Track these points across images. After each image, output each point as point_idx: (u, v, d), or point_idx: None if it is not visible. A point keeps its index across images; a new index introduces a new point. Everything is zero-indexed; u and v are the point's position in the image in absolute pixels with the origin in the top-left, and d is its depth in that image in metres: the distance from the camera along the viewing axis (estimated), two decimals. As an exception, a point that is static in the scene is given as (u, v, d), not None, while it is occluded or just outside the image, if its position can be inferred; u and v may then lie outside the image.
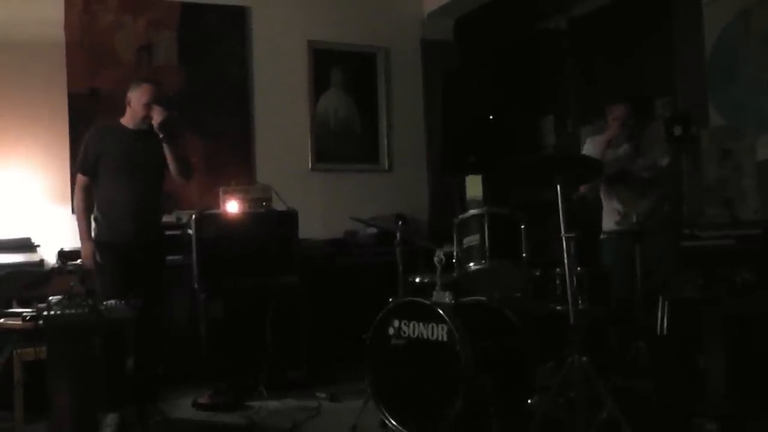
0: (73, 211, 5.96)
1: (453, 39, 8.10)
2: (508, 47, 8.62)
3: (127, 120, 5.26)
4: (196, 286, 5.85)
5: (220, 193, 6.11)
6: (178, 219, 6.29)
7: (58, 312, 3.87)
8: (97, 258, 5.14)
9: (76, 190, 5.29)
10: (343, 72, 7.62)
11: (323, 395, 5.58)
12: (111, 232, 5.15)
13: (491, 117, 7.43)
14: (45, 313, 3.87)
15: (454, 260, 4.86)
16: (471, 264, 4.77)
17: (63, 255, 5.91)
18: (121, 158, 5.17)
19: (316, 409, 5.32)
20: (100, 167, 5.17)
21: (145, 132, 5.21)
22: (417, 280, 5.14)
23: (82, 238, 5.22)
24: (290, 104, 7.33)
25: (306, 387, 5.79)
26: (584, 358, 4.11)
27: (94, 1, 6.67)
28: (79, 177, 5.26)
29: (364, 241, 7.01)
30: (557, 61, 8.42)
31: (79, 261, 5.51)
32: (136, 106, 5.18)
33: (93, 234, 5.22)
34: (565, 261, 4.30)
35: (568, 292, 4.28)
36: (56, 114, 6.44)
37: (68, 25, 6.58)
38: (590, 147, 5.71)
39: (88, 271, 5.28)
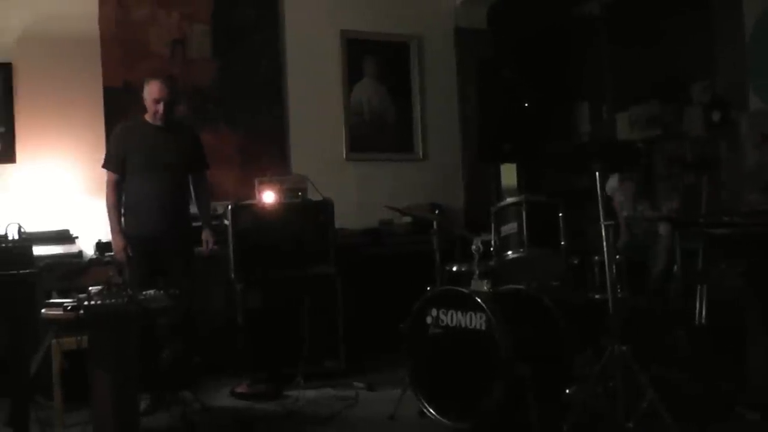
0: None
1: (486, 26, 8.05)
2: (542, 33, 8.55)
3: (150, 116, 5.37)
4: (232, 276, 5.88)
5: (256, 184, 6.12)
6: (214, 210, 6.30)
7: (99, 302, 3.90)
8: (130, 251, 5.25)
9: (106, 186, 5.40)
10: (377, 61, 7.60)
11: (361, 385, 5.59)
12: (139, 226, 5.32)
13: (526, 104, 7.37)
14: (86, 303, 3.90)
15: (491, 249, 4.84)
16: (509, 252, 4.76)
17: (100, 246, 5.98)
18: (145, 155, 5.32)
19: (354, 398, 5.33)
20: (127, 164, 5.33)
21: (167, 127, 5.35)
22: (454, 268, 5.12)
23: (112, 233, 5.35)
24: (324, 94, 7.33)
25: (343, 376, 5.80)
26: (623, 347, 4.08)
27: (128, -5, 6.71)
28: (108, 174, 5.39)
29: (399, 230, 7.00)
30: (591, 46, 8.35)
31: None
32: (149, 102, 5.32)
33: (125, 228, 5.36)
34: (604, 249, 4.25)
35: (607, 280, 4.24)
36: (92, 108, 6.49)
37: (102, 20, 6.61)
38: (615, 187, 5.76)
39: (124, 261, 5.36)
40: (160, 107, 5.30)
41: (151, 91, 5.31)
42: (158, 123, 5.34)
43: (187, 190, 5.56)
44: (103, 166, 5.45)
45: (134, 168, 5.33)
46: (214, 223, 5.87)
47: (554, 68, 8.38)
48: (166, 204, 5.33)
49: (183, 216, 5.48)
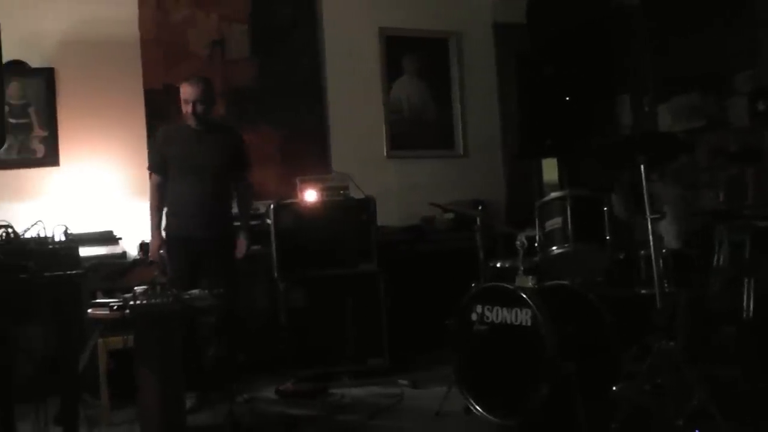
0: None
1: (525, 21, 7.98)
2: (582, 26, 8.45)
3: (185, 117, 5.44)
4: (275, 275, 5.89)
5: (298, 183, 6.13)
6: (256, 209, 6.32)
7: (144, 301, 3.93)
8: (163, 252, 5.39)
9: (150, 187, 5.54)
10: (416, 58, 7.58)
11: (405, 382, 5.57)
12: (179, 227, 5.40)
13: (567, 98, 7.30)
14: (131, 302, 3.92)
15: (536, 244, 4.80)
16: (554, 248, 4.71)
17: (144, 247, 6.02)
18: (184, 157, 5.39)
19: (399, 396, 5.31)
20: (169, 166, 5.41)
21: (206, 129, 5.40)
22: (498, 265, 5.09)
23: (151, 233, 5.48)
24: (363, 92, 7.32)
25: (388, 374, 5.79)
26: (671, 343, 4.02)
27: (166, -2, 6.76)
28: (152, 176, 5.55)
29: (441, 227, 6.98)
30: (631, 38, 8.24)
31: (160, 252, 5.65)
32: (183, 104, 5.39)
33: (165, 228, 5.47)
34: (651, 243, 4.20)
35: (654, 274, 4.19)
36: (133, 110, 6.54)
37: (142, 23, 6.66)
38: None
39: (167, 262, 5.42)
40: (189, 108, 5.34)
41: (182, 92, 5.38)
42: (192, 124, 5.39)
43: (228, 191, 5.59)
44: (148, 168, 5.59)
45: (174, 170, 5.42)
46: (254, 222, 5.90)
47: (594, 61, 8.27)
48: (205, 206, 5.38)
49: (222, 217, 5.51)
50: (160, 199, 5.49)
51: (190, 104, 5.33)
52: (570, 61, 7.86)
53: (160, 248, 5.41)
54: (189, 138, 5.41)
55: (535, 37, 7.99)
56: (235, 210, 5.69)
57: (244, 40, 6.98)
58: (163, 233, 5.49)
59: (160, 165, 5.47)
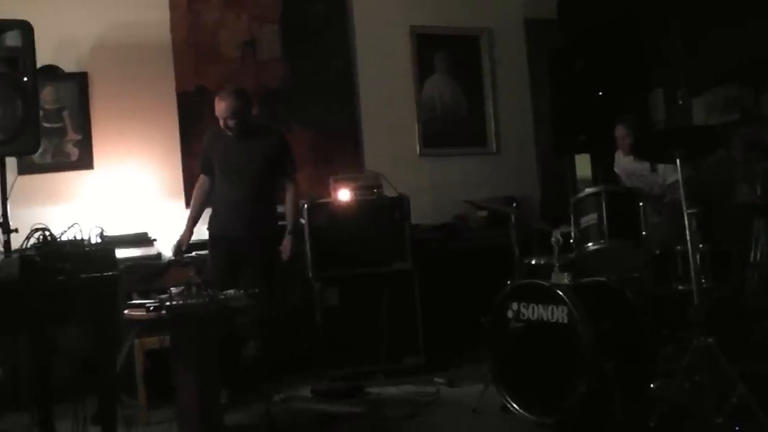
0: (186, 206, 6.27)
1: (556, 16, 7.94)
2: (613, 20, 8.38)
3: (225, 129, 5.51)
4: (310, 274, 5.90)
5: (331, 182, 6.15)
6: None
7: (181, 302, 3.94)
8: (182, 248, 5.57)
9: (196, 184, 5.71)
10: (447, 56, 7.56)
11: (441, 380, 5.55)
12: (219, 227, 5.51)
13: (600, 93, 7.24)
14: (168, 303, 3.94)
15: (571, 241, 4.76)
16: (589, 244, 4.67)
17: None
18: (224, 161, 5.50)
19: (435, 394, 5.30)
20: (214, 168, 5.54)
21: (244, 135, 5.46)
22: (533, 262, 5.05)
23: (186, 228, 5.61)
24: (395, 91, 7.31)
25: (423, 372, 5.77)
26: (710, 340, 3.97)
27: (197, 0, 6.78)
28: (200, 175, 5.70)
29: (475, 224, 6.95)
30: (664, 30, 8.16)
31: (194, 253, 5.73)
32: (219, 119, 5.45)
33: (208, 227, 5.58)
34: (688, 238, 4.15)
35: (692, 270, 4.14)
36: (166, 113, 6.59)
37: (173, 26, 6.71)
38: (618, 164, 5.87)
39: (203, 262, 5.48)
40: (223, 123, 5.43)
41: (216, 108, 5.44)
42: (228, 133, 5.46)
43: (270, 194, 5.61)
44: (199, 169, 5.77)
45: (218, 172, 5.55)
46: (282, 223, 5.92)
47: (626, 55, 8.21)
48: (244, 208, 5.43)
49: (263, 219, 5.53)
50: (199, 197, 5.67)
51: (223, 120, 5.41)
52: (602, 56, 7.80)
53: (183, 245, 5.56)
54: (228, 143, 5.48)
55: (566, 32, 7.95)
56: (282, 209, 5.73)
57: (275, 41, 7.00)
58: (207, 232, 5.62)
59: (207, 166, 5.62)
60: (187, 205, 6.33)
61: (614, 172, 6.06)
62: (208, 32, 6.81)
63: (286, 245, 5.53)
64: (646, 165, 5.66)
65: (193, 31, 6.75)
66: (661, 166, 5.56)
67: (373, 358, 5.79)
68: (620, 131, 5.88)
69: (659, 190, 5.55)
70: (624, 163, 5.89)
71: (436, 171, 7.33)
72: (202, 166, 5.67)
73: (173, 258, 5.81)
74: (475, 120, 7.64)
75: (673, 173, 5.39)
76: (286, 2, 7.03)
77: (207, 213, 5.70)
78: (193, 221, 5.63)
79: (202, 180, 5.67)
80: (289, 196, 5.67)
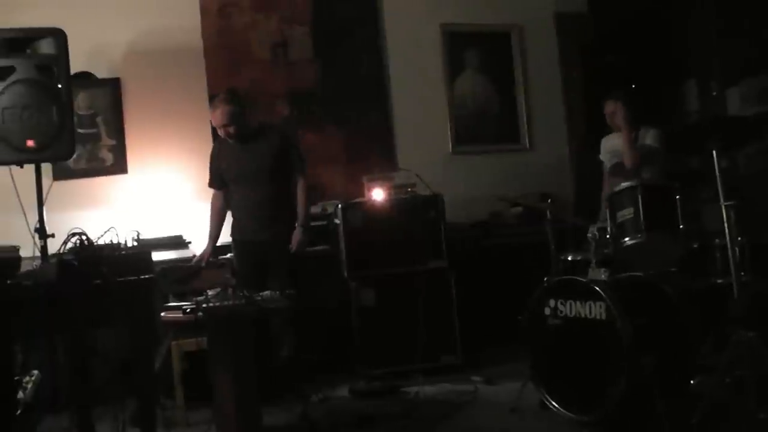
0: None
1: (587, 9, 7.88)
2: (646, 12, 8.32)
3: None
4: (345, 275, 5.90)
5: (364, 182, 6.15)
6: (324, 209, 6.34)
7: (217, 304, 3.96)
8: (202, 264, 5.60)
9: (210, 202, 5.86)
10: (478, 53, 7.52)
11: (479, 378, 5.54)
12: (240, 232, 5.61)
13: (633, 86, 7.18)
14: (204, 305, 3.95)
15: (607, 236, 4.71)
16: (626, 238, 4.61)
17: (214, 250, 6.05)
18: (233, 169, 5.58)
19: (473, 392, 5.29)
20: (225, 178, 5.64)
21: (245, 140, 5.52)
22: (569, 258, 5.01)
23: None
24: (427, 89, 7.29)
25: (461, 371, 5.76)
26: (750, 334, 3.91)
27: (227, 4, 6.81)
28: (213, 191, 5.83)
29: (509, 221, 6.91)
30: (697, 20, 8.07)
31: (229, 255, 5.78)
32: (217, 127, 5.54)
33: (231, 233, 5.69)
34: (726, 231, 4.09)
35: (731, 263, 4.08)
36: (198, 116, 6.59)
37: (205, 30, 6.74)
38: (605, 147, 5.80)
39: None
40: (223, 131, 5.51)
41: (213, 119, 5.57)
42: (230, 141, 5.54)
43: (287, 192, 5.62)
44: (209, 185, 5.83)
45: (230, 181, 5.64)
46: (321, 223, 5.93)
47: (659, 46, 8.14)
48: (263, 212, 5.50)
49: (283, 220, 5.53)
50: (215, 214, 5.79)
51: (221, 129, 5.48)
52: (635, 48, 7.74)
53: (203, 262, 5.62)
54: (232, 151, 5.58)
55: (598, 25, 7.89)
56: None
57: (306, 42, 7.01)
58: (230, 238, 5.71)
59: (217, 180, 5.73)
60: (222, 207, 6.39)
61: (600, 160, 5.95)
62: (239, 35, 6.83)
63: (295, 237, 5.48)
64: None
65: (223, 34, 6.78)
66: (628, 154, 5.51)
67: (409, 357, 5.77)
68: (609, 106, 5.77)
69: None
70: (611, 144, 5.80)
71: (469, 168, 7.29)
72: (213, 181, 5.76)
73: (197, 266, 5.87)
74: (507, 116, 7.59)
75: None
76: (316, 3, 7.03)
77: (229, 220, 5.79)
78: (213, 238, 5.74)
79: (215, 196, 5.79)
80: (299, 189, 5.63)
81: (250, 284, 4.83)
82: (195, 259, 5.64)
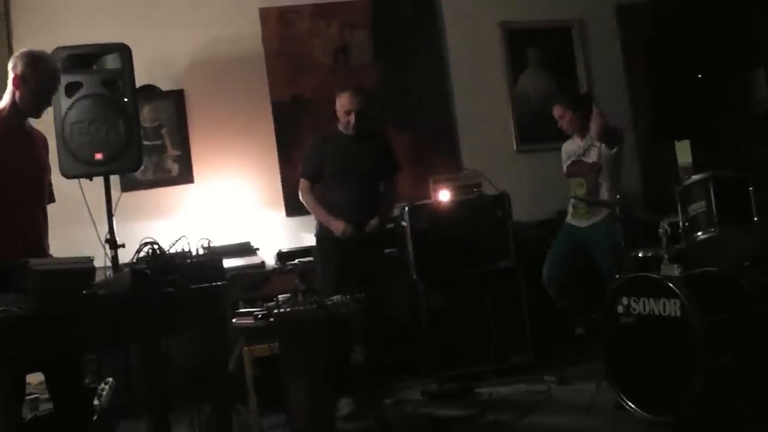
0: (287, 214, 6.41)
1: (650, 0, 7.75)
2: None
3: (342, 126, 5.53)
4: (414, 277, 5.88)
5: (430, 183, 6.16)
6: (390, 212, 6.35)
7: (288, 309, 3.97)
8: (348, 229, 5.37)
9: (301, 193, 5.64)
10: (540, 49, 7.45)
11: (552, 378, 5.47)
12: (332, 231, 5.42)
13: (699, 76, 7.04)
14: (275, 311, 3.97)
15: (679, 230, 4.61)
16: (699, 233, 4.50)
17: (282, 256, 6.13)
18: (337, 163, 5.49)
19: (546, 392, 5.24)
20: (323, 173, 5.51)
21: (359, 137, 5.46)
22: (640, 254, 4.92)
23: (328, 222, 5.46)
24: (489, 88, 7.25)
25: (533, 371, 5.70)
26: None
27: (287, 11, 6.86)
28: (302, 181, 5.63)
29: (577, 218, 6.82)
30: (764, 5, 7.89)
31: (296, 261, 5.79)
32: (340, 113, 5.47)
33: (317, 233, 5.60)
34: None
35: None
36: (262, 124, 6.68)
37: (266, 38, 6.81)
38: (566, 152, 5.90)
39: (305, 269, 5.43)
40: (352, 118, 5.43)
41: (342, 103, 5.45)
42: (350, 133, 5.47)
43: (376, 196, 5.64)
44: (300, 176, 5.66)
45: (328, 176, 5.52)
46: (389, 226, 5.90)
47: (725, 34, 7.96)
48: (357, 210, 5.44)
49: (369, 218, 5.50)
50: (316, 198, 5.56)
51: (352, 113, 5.41)
52: (700, 37, 7.57)
53: (345, 227, 5.36)
54: (345, 146, 5.49)
55: (661, 15, 7.75)
56: None
57: (366, 46, 7.03)
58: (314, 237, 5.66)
59: (314, 172, 5.55)
60: (288, 213, 6.42)
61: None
62: (300, 41, 6.88)
63: (373, 221, 5.48)
64: (580, 144, 5.72)
65: (284, 41, 6.83)
66: (594, 149, 5.57)
67: (481, 358, 5.75)
68: (556, 111, 5.90)
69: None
70: (568, 147, 5.91)
71: (534, 166, 7.19)
72: (310, 173, 5.57)
73: (277, 266, 5.88)
74: (571, 112, 7.49)
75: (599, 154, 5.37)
76: (375, 7, 7.06)
77: (308, 220, 5.78)
78: (329, 214, 5.45)
79: (306, 185, 5.58)
80: (388, 191, 5.71)
81: (335, 286, 4.91)
82: (345, 233, 5.36)
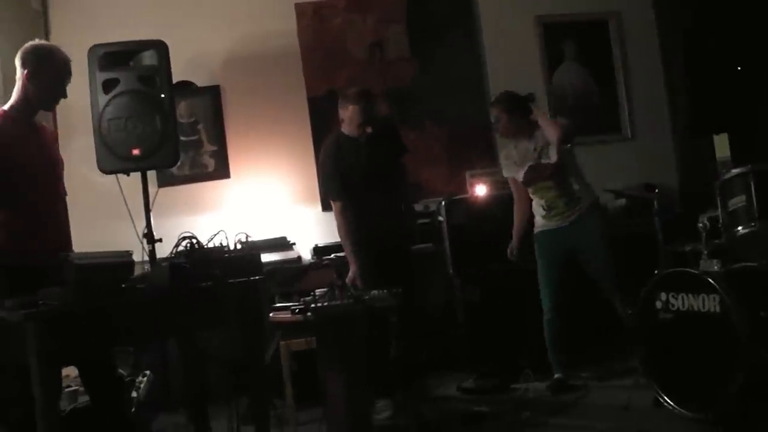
0: (323, 209, 6.45)
1: (687, -8, 7.68)
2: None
3: (346, 128, 5.25)
4: (450, 272, 5.87)
5: (467, 178, 6.16)
6: (426, 207, 6.34)
7: (326, 303, 3.98)
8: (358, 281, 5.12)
9: (336, 215, 5.27)
10: (576, 43, 7.39)
11: (589, 375, 5.44)
12: (361, 236, 5.21)
13: (738, 68, 6.95)
14: (313, 305, 3.98)
15: (719, 225, 4.56)
16: (739, 228, 4.46)
17: (318, 251, 6.14)
18: (359, 168, 5.22)
19: (584, 389, 5.21)
20: (344, 182, 5.22)
21: (367, 140, 5.20)
22: (679, 249, 4.87)
23: (349, 260, 5.22)
24: (525, 82, 7.10)
25: (569, 367, 5.59)
26: None
27: (323, 6, 6.88)
28: (335, 204, 5.27)
29: (613, 213, 6.74)
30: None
31: (332, 256, 5.89)
32: (351, 126, 5.18)
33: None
34: None
35: None
36: (298, 119, 6.70)
37: (301, 33, 6.83)
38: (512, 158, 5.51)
39: (343, 264, 5.41)
40: (368, 129, 5.13)
41: (352, 118, 5.14)
42: (361, 139, 5.20)
43: (399, 198, 5.45)
44: (332, 198, 5.33)
45: (350, 183, 5.22)
46: (425, 221, 5.88)
47: (764, 25, 7.85)
48: (380, 214, 5.23)
49: (398, 225, 5.36)
50: (348, 223, 5.20)
51: (358, 127, 5.13)
52: (738, 29, 7.47)
53: (356, 276, 5.16)
54: (359, 149, 5.22)
55: (699, 7, 7.66)
56: None
57: (402, 40, 7.02)
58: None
59: (340, 189, 5.23)
60: (324, 208, 6.42)
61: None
62: (335, 36, 6.89)
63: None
64: (529, 147, 5.40)
65: (320, 36, 6.84)
66: (551, 148, 5.31)
67: (517, 353, 5.72)
68: (492, 112, 5.64)
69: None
70: (512, 153, 5.52)
71: (571, 160, 7.16)
72: (336, 191, 5.24)
73: (314, 261, 5.87)
74: (608, 106, 7.45)
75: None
76: (411, 1, 7.04)
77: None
78: (354, 255, 5.20)
79: (341, 205, 5.21)
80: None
81: (367, 282, 4.88)
82: (349, 278, 5.09)
